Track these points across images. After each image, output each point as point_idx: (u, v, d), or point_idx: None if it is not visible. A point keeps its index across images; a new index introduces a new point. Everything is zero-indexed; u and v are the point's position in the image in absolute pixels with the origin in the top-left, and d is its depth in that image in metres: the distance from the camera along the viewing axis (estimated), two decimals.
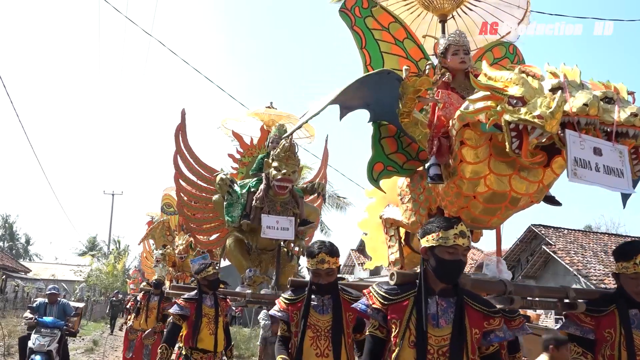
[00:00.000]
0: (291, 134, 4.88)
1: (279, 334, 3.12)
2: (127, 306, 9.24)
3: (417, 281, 2.02)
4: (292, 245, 5.50)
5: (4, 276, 25.81)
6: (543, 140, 2.30)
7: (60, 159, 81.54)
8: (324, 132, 6.86)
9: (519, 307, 2.54)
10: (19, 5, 71.29)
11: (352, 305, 2.18)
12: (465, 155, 2.60)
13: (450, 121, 2.68)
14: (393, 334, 1.97)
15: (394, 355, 1.94)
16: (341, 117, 3.22)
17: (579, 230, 19.33)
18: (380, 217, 3.57)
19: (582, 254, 16.33)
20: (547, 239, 16.58)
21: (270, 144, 5.67)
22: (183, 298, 4.56)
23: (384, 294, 2.04)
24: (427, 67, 2.86)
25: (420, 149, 3.33)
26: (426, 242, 2.01)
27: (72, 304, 8.34)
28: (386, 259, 3.61)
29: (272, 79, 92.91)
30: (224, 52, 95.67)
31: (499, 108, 2.24)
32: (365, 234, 4.21)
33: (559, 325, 3.79)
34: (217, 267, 5.65)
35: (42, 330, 6.73)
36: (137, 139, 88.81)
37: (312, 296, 2.99)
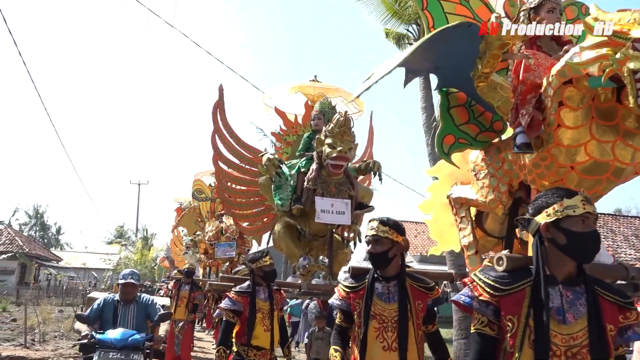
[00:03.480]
0: (359, 95, 3.76)
1: (336, 323, 2.81)
2: (161, 294, 8.91)
3: (533, 267, 1.65)
4: (346, 231, 5.06)
5: (37, 265, 26.32)
6: None
7: (88, 150, 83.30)
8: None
9: None
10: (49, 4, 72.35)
11: (453, 298, 1.80)
12: (564, 119, 2.24)
13: (545, 79, 2.31)
14: (509, 334, 1.62)
15: (514, 359, 1.59)
16: (406, 82, 2.89)
17: (608, 214, 18.52)
18: (448, 197, 3.22)
19: (612, 238, 15.68)
20: None
21: (312, 122, 5.28)
22: (235, 291, 4.04)
23: (492, 283, 1.68)
24: (523, 14, 2.48)
25: (494, 119, 2.97)
26: (547, 216, 1.64)
27: (158, 300, 4.98)
28: (455, 243, 3.27)
29: (288, 69, 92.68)
30: (240, 42, 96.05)
31: (619, 55, 1.87)
32: (428, 218, 3.80)
33: None
34: (249, 254, 5.26)
35: (112, 354, 3.84)
36: (162, 130, 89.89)
37: (376, 284, 2.65)
